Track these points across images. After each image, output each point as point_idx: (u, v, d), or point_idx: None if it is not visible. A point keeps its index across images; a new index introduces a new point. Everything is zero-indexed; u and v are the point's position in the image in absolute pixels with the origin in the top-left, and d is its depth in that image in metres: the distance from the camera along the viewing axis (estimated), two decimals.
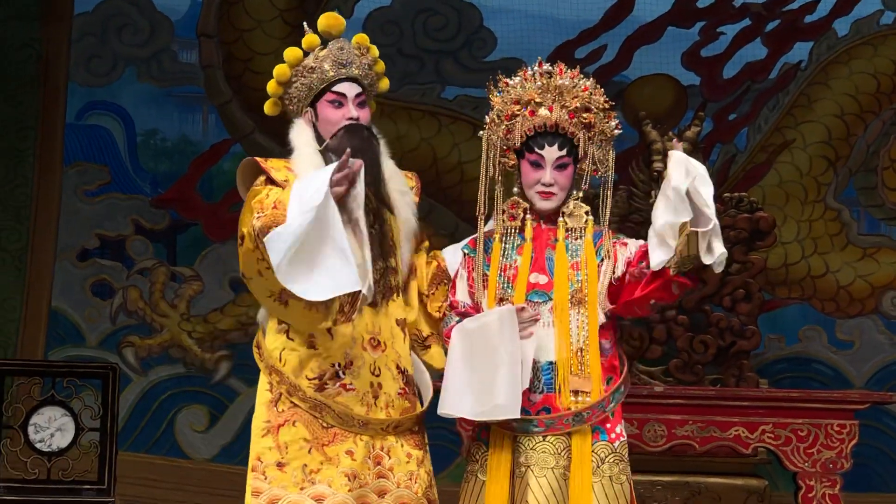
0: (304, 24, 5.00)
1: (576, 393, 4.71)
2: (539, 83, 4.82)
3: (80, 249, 9.16)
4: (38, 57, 9.15)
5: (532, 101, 4.80)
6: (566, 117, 4.78)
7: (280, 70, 4.91)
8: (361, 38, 4.98)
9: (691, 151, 4.75)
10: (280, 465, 4.70)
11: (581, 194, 4.86)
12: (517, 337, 4.64)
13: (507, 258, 4.83)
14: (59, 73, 9.19)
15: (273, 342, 4.80)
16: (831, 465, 7.03)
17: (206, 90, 9.28)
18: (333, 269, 4.48)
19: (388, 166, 4.92)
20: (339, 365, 4.77)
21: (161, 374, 9.16)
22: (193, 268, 9.23)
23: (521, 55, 8.70)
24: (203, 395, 9.14)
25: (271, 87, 4.95)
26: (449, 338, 4.79)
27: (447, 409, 4.71)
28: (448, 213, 8.98)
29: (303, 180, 4.61)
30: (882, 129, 9.24)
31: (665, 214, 4.59)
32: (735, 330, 7.71)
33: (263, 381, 4.81)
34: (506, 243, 4.84)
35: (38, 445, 7.15)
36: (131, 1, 9.29)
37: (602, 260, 4.79)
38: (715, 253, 4.59)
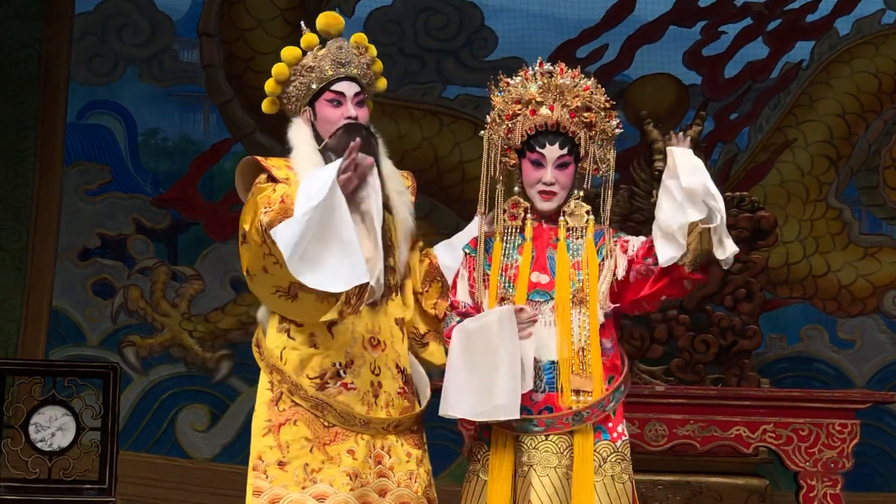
0: (302, 23, 5.00)
1: (577, 392, 4.70)
2: (540, 83, 4.82)
3: (81, 249, 9.16)
4: (39, 56, 9.15)
5: (533, 101, 4.80)
6: (567, 116, 4.78)
7: (279, 69, 4.91)
8: (360, 37, 4.98)
9: (693, 150, 4.73)
10: (281, 464, 4.70)
11: (582, 193, 4.86)
12: (516, 337, 4.64)
13: (508, 258, 4.83)
14: (59, 72, 9.19)
15: (274, 341, 4.80)
16: (832, 465, 7.03)
17: (207, 89, 9.28)
18: (343, 261, 4.48)
19: (387, 166, 4.92)
20: (340, 364, 4.77)
21: (162, 373, 9.16)
22: (194, 267, 9.23)
23: (523, 54, 8.69)
24: (204, 395, 9.14)
25: (269, 85, 4.95)
26: (450, 338, 4.79)
27: (448, 409, 4.71)
28: (449, 213, 8.98)
29: (310, 175, 4.60)
30: (883, 129, 9.23)
31: (674, 214, 4.58)
32: (736, 329, 7.71)
33: (264, 380, 4.81)
34: (507, 243, 4.84)
35: (38, 445, 7.15)
36: (132, 0, 9.29)
37: (603, 259, 4.79)
38: (727, 248, 4.60)
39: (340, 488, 4.68)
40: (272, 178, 4.77)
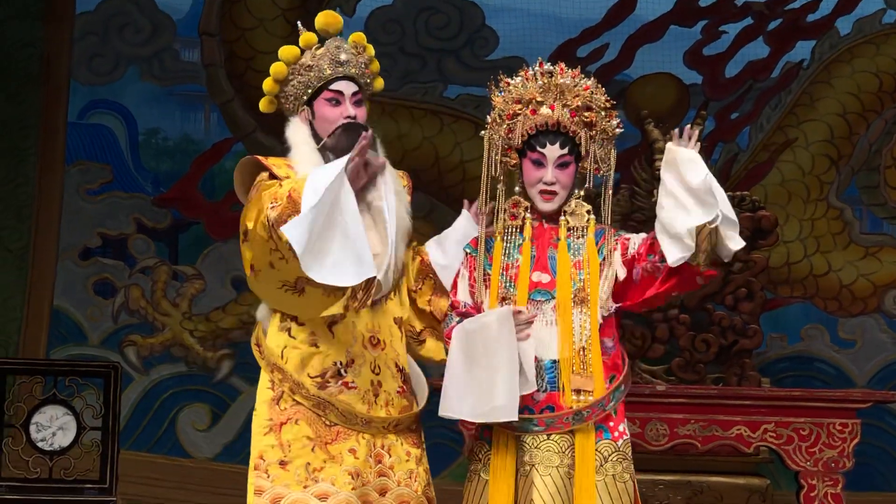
0: (299, 23, 5.01)
1: (578, 392, 4.71)
2: (540, 82, 4.82)
3: (82, 248, 9.16)
4: (40, 56, 9.15)
5: (533, 100, 4.80)
6: (568, 116, 4.79)
7: (277, 68, 4.91)
8: (358, 36, 4.98)
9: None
10: (283, 463, 4.70)
11: (583, 193, 4.86)
12: (514, 339, 4.64)
13: (508, 257, 4.83)
14: (60, 71, 9.19)
15: (274, 340, 4.81)
16: (833, 464, 7.03)
17: (208, 89, 9.28)
18: (349, 255, 4.47)
19: None
20: (341, 363, 4.77)
21: (163, 372, 9.16)
22: (195, 266, 9.23)
23: (524, 54, 8.70)
24: (205, 394, 9.14)
25: (268, 84, 4.95)
26: (450, 338, 4.79)
27: (447, 410, 4.71)
28: (450, 212, 8.93)
29: (318, 170, 4.60)
30: (884, 128, 9.24)
31: (678, 215, 4.58)
32: (737, 329, 7.70)
33: (265, 378, 4.81)
34: (507, 242, 4.84)
35: (39, 444, 7.15)
36: (133, 0, 9.29)
37: (604, 259, 4.79)
38: (735, 242, 4.61)
39: (342, 487, 4.68)
40: (273, 177, 4.77)
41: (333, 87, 4.87)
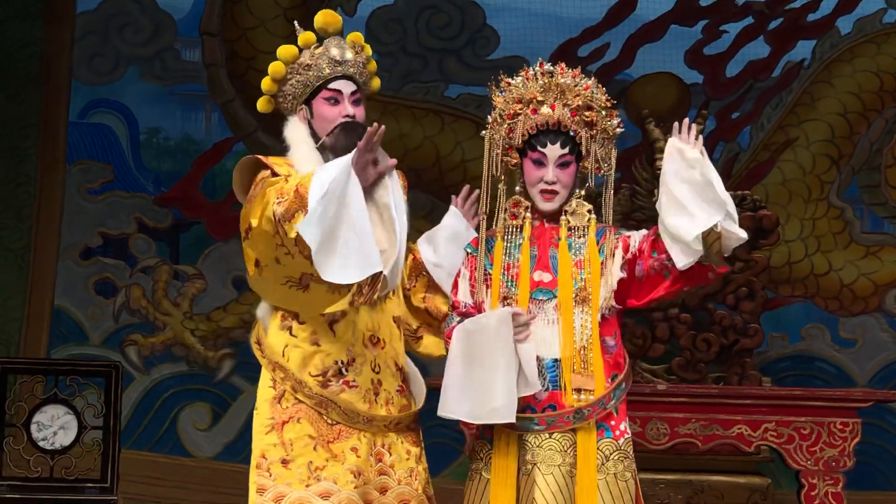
0: (296, 22, 5.01)
1: (578, 391, 4.71)
2: (541, 82, 4.83)
3: (83, 248, 9.16)
4: (41, 55, 9.15)
5: (534, 100, 4.80)
6: (568, 115, 4.79)
7: (275, 67, 4.92)
8: (356, 36, 4.99)
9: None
10: (285, 462, 4.70)
11: (583, 193, 4.87)
12: (512, 340, 4.65)
13: (510, 257, 4.83)
14: (61, 71, 9.19)
15: (276, 338, 4.81)
16: (834, 464, 7.03)
17: (209, 88, 9.28)
18: (355, 250, 4.47)
19: None
20: (342, 362, 4.77)
21: (164, 372, 9.16)
22: (196, 266, 9.23)
23: (525, 53, 8.71)
24: (206, 393, 9.14)
25: (266, 83, 4.95)
26: (450, 338, 4.80)
27: (446, 410, 4.72)
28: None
29: (325, 166, 4.60)
30: (885, 127, 9.24)
31: (682, 221, 4.58)
32: (738, 328, 7.71)
33: (266, 377, 4.81)
34: (508, 242, 4.85)
35: (40, 444, 7.16)
36: None
37: (605, 258, 4.80)
38: (739, 234, 4.62)
39: (344, 486, 4.68)
40: (275, 175, 4.77)
41: (332, 86, 4.88)
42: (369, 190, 4.58)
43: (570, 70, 4.85)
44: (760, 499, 7.40)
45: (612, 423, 4.76)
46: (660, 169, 4.83)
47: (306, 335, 4.78)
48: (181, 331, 9.16)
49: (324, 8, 5.16)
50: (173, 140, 9.37)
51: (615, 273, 4.77)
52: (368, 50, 5.00)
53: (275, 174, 4.76)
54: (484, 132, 4.91)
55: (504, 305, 4.77)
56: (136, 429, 8.98)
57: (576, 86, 4.82)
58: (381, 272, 4.53)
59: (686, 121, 4.71)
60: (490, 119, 4.89)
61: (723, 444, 7.11)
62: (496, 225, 4.88)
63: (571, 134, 4.80)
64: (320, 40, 4.93)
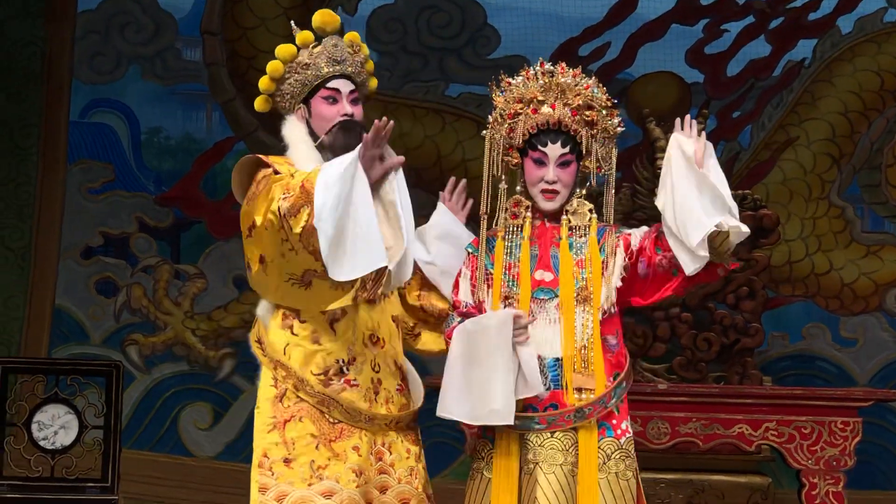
0: (292, 22, 5.01)
1: (579, 390, 4.71)
2: (541, 81, 4.83)
3: (84, 247, 9.16)
4: (42, 54, 9.15)
5: (534, 100, 4.81)
6: (569, 115, 4.80)
7: (273, 66, 4.92)
8: (353, 36, 5.00)
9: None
10: (287, 461, 4.70)
11: (584, 192, 4.87)
12: (510, 344, 4.65)
13: (511, 256, 4.83)
14: (62, 70, 9.19)
15: (277, 337, 4.81)
16: (835, 463, 7.03)
17: (210, 88, 9.28)
18: (362, 244, 4.47)
19: None
20: (343, 361, 4.78)
21: (165, 371, 9.16)
22: (197, 265, 9.23)
23: (525, 52, 8.72)
24: (207, 393, 9.14)
25: (264, 83, 4.95)
26: (451, 338, 4.80)
27: (444, 411, 4.72)
28: None
29: (331, 162, 4.59)
30: (886, 127, 9.23)
31: (693, 226, 4.59)
32: (739, 327, 7.71)
33: (267, 376, 4.81)
34: (509, 241, 4.85)
35: (41, 443, 7.16)
36: None
37: (606, 257, 4.80)
38: (742, 229, 4.62)
39: (346, 485, 4.68)
40: (276, 173, 4.77)
41: (330, 85, 4.88)
42: (375, 186, 4.57)
43: (570, 69, 4.86)
44: (761, 498, 7.41)
45: (614, 421, 4.76)
46: (661, 168, 4.84)
47: (307, 333, 4.78)
48: (182, 330, 9.16)
49: (324, 8, 5.17)
50: (174, 139, 9.37)
51: (617, 272, 4.78)
52: (366, 49, 5.01)
53: (276, 172, 4.76)
54: (485, 132, 4.92)
55: (505, 305, 4.77)
56: (137, 428, 8.98)
57: (576, 85, 4.82)
58: (386, 268, 4.53)
59: (687, 117, 4.72)
60: (491, 119, 4.90)
61: (723, 444, 7.11)
62: (497, 224, 4.88)
63: (572, 133, 4.80)
64: (318, 39, 4.93)
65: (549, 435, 4.71)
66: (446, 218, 5.15)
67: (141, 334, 9.15)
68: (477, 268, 4.86)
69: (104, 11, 9.28)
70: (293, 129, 4.90)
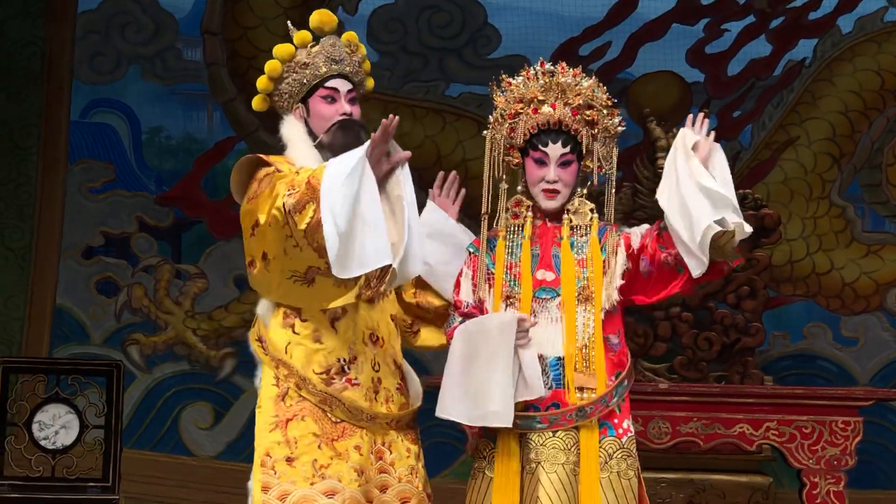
0: (289, 22, 5.02)
1: (581, 389, 4.71)
2: (542, 81, 4.84)
3: (85, 247, 9.16)
4: (42, 54, 9.15)
5: (535, 100, 4.81)
6: (569, 114, 4.80)
7: (271, 65, 4.92)
8: (351, 35, 5.00)
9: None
10: (289, 460, 4.70)
11: (586, 192, 4.87)
12: (513, 345, 4.65)
13: (512, 256, 4.84)
14: (62, 70, 9.19)
15: (278, 336, 4.81)
16: (836, 462, 7.03)
17: (211, 88, 9.27)
18: (368, 240, 4.47)
19: None
20: (344, 360, 4.78)
21: (166, 371, 9.16)
22: (198, 265, 9.23)
23: (526, 52, 8.71)
24: (208, 393, 9.14)
25: (262, 82, 4.96)
26: (452, 338, 4.80)
27: (443, 411, 4.73)
28: None
29: (338, 159, 4.59)
30: (886, 126, 9.23)
31: (688, 231, 4.59)
32: (740, 327, 7.71)
33: (269, 375, 4.81)
34: (510, 241, 4.85)
35: (42, 443, 7.15)
36: None
37: (607, 256, 4.80)
38: (745, 228, 4.62)
39: (349, 484, 4.69)
40: (278, 171, 4.77)
41: (329, 84, 4.89)
42: (381, 182, 4.57)
43: (570, 69, 4.87)
44: (762, 498, 7.40)
45: (615, 421, 4.77)
46: (661, 168, 4.84)
47: (309, 332, 4.78)
48: (183, 330, 9.16)
49: (325, 7, 5.17)
50: (175, 139, 9.36)
51: (618, 271, 4.78)
52: (363, 49, 5.02)
53: (278, 171, 4.76)
54: (485, 132, 4.92)
55: (507, 304, 4.78)
56: (138, 428, 8.98)
57: (576, 85, 4.83)
58: (391, 265, 4.53)
59: (700, 115, 4.73)
60: (491, 119, 4.90)
61: (724, 443, 7.11)
62: (497, 225, 4.88)
63: (573, 133, 4.81)
64: (316, 39, 4.94)
65: (551, 434, 4.71)
66: (436, 215, 5.14)
67: (142, 334, 9.14)
68: (478, 267, 4.86)
69: (104, 11, 9.28)
70: (292, 129, 4.91)
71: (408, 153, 4.63)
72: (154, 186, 9.29)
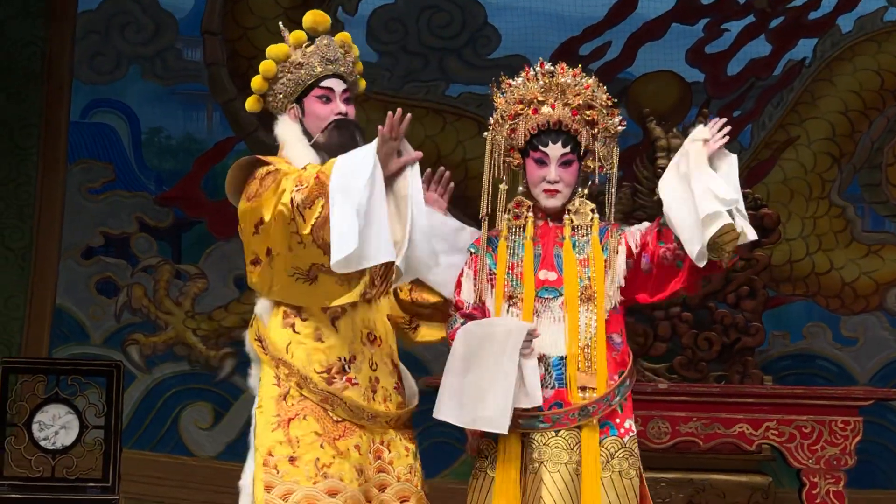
0: (280, 24, 5.03)
1: (583, 389, 4.72)
2: (541, 82, 4.84)
3: (85, 247, 9.16)
4: (42, 54, 9.15)
5: (535, 100, 4.82)
6: (569, 114, 4.80)
7: (266, 66, 4.93)
8: (344, 36, 5.02)
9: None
10: (292, 459, 4.70)
11: (586, 191, 4.88)
12: (517, 354, 4.65)
13: (514, 256, 4.84)
14: (62, 70, 9.19)
15: (278, 335, 4.81)
16: (835, 462, 7.03)
17: (211, 88, 9.27)
18: (373, 237, 4.47)
19: None
20: (345, 359, 4.79)
21: (165, 371, 9.16)
22: (198, 265, 9.23)
23: (526, 52, 8.72)
24: (207, 393, 9.14)
25: (256, 82, 4.96)
26: (453, 339, 4.80)
27: (439, 413, 4.73)
28: (451, 210, 8.95)
29: (347, 155, 4.58)
30: (886, 126, 9.24)
31: (690, 235, 4.61)
32: (739, 327, 7.71)
33: (269, 374, 4.81)
34: (512, 241, 4.85)
35: (42, 443, 7.15)
36: None
37: (609, 255, 4.81)
38: (748, 233, 4.64)
39: (350, 483, 4.69)
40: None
41: (324, 84, 4.90)
42: (390, 180, 4.58)
43: (570, 69, 4.87)
44: (762, 497, 7.41)
45: (617, 420, 4.77)
46: (661, 168, 4.85)
47: (309, 331, 4.78)
48: (183, 330, 9.16)
49: (324, 8, 5.18)
50: (175, 139, 9.37)
51: (619, 270, 4.79)
52: (356, 50, 5.03)
53: (279, 169, 4.76)
54: (486, 133, 4.92)
55: (509, 304, 4.78)
56: (138, 428, 8.98)
57: (576, 85, 4.83)
58: (394, 263, 4.54)
59: (719, 120, 4.73)
60: (492, 120, 4.91)
61: (724, 443, 7.11)
62: (498, 225, 4.88)
63: (573, 133, 4.81)
64: (311, 39, 4.94)
65: (553, 434, 4.72)
66: (435, 217, 5.12)
67: (142, 334, 9.14)
68: (479, 268, 4.86)
69: (104, 11, 9.28)
70: (287, 129, 4.91)
71: (419, 153, 4.63)
72: (154, 186, 9.29)
